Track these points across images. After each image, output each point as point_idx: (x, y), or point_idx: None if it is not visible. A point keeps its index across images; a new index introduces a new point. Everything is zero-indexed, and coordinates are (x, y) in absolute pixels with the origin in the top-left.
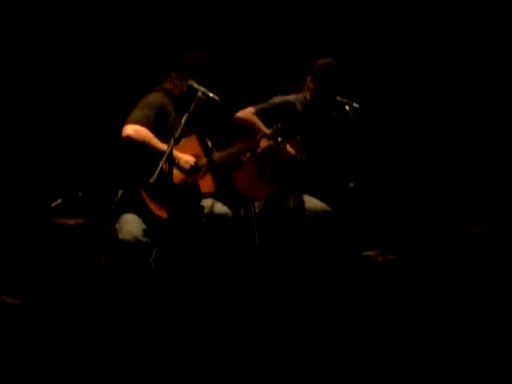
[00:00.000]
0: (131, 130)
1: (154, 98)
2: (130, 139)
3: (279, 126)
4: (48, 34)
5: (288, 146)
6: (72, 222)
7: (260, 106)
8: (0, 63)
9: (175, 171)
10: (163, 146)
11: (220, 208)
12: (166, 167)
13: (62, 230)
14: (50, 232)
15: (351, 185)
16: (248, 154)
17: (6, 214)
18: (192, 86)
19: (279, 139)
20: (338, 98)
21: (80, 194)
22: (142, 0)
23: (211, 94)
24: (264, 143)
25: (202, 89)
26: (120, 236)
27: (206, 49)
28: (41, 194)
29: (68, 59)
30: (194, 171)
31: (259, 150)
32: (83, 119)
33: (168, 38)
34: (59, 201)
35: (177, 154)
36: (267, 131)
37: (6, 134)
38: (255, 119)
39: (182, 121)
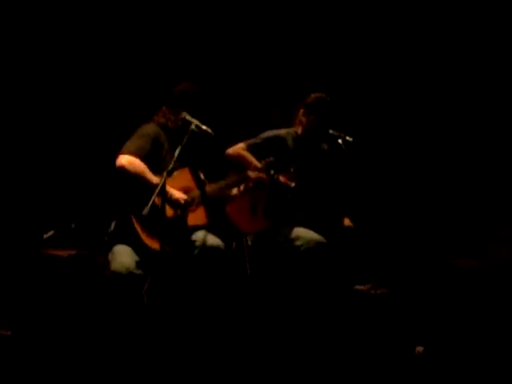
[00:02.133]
0: (125, 160)
1: (149, 129)
2: (123, 170)
3: (271, 158)
4: (36, 68)
5: (280, 177)
6: (64, 253)
7: (250, 142)
8: None
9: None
10: (156, 179)
11: (212, 240)
12: (158, 201)
13: (55, 262)
14: (42, 263)
15: (347, 223)
16: (241, 188)
17: None
18: (185, 119)
19: (271, 172)
20: (331, 131)
21: (72, 225)
22: (135, 31)
23: (204, 127)
24: (256, 176)
25: (195, 121)
26: (112, 267)
27: (196, 81)
28: (33, 225)
29: (64, 88)
30: (184, 207)
31: (251, 184)
32: (76, 151)
33: (160, 68)
34: (52, 232)
35: (169, 189)
36: (259, 164)
37: None
38: (246, 154)
39: (176, 153)
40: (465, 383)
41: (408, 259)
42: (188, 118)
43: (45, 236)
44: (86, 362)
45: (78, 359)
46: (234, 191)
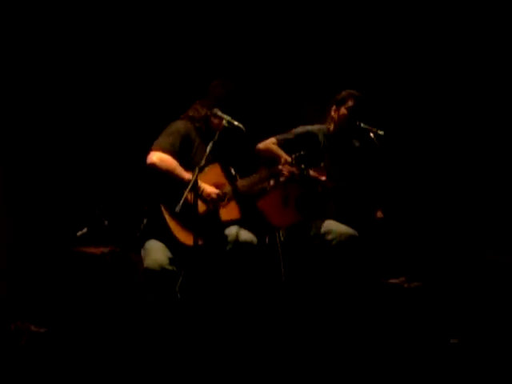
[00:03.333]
0: (156, 157)
1: (179, 125)
2: (154, 167)
3: (302, 152)
4: (73, 70)
5: (311, 171)
6: (98, 250)
7: (282, 137)
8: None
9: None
10: (187, 175)
11: (245, 235)
12: (190, 196)
13: (88, 259)
14: (75, 261)
15: (379, 215)
16: (272, 182)
17: (33, 243)
18: (217, 115)
19: (302, 166)
20: (363, 125)
21: (105, 222)
22: (169, 30)
23: (236, 123)
24: (287, 170)
25: (227, 117)
26: (145, 264)
27: (229, 76)
28: (67, 223)
29: (96, 88)
30: (216, 202)
31: (282, 178)
32: (109, 148)
33: (192, 66)
34: (85, 230)
35: (200, 184)
36: (289, 158)
37: (30, 164)
38: (277, 149)
39: (207, 149)
40: (501, 376)
41: (442, 252)
42: (220, 113)
43: (78, 234)
44: (120, 358)
45: (111, 355)
46: (265, 185)
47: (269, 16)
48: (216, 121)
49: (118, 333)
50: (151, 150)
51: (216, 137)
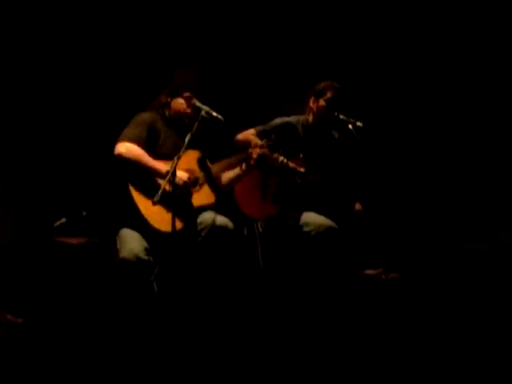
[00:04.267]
0: (123, 147)
1: (145, 116)
2: (121, 157)
3: (272, 136)
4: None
5: (290, 163)
6: (75, 241)
7: (260, 128)
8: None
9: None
10: (157, 163)
11: (221, 220)
12: (168, 187)
13: (66, 249)
14: (53, 251)
15: (358, 207)
16: (244, 167)
17: (10, 232)
18: (195, 105)
19: (282, 158)
20: (341, 116)
21: (83, 213)
22: (140, 19)
23: (214, 113)
24: (256, 153)
25: (206, 108)
26: (121, 255)
27: (207, 69)
28: (44, 214)
29: (69, 81)
30: (188, 186)
31: (252, 161)
32: (85, 139)
33: (165, 56)
34: (63, 220)
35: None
36: (260, 142)
37: (9, 153)
38: (254, 138)
39: (186, 140)
40: (477, 367)
41: (419, 243)
42: (198, 104)
43: (56, 224)
44: (97, 350)
45: (88, 347)
46: (238, 171)
47: (248, 8)
48: (175, 105)
49: (96, 323)
50: (118, 140)
51: (194, 128)
